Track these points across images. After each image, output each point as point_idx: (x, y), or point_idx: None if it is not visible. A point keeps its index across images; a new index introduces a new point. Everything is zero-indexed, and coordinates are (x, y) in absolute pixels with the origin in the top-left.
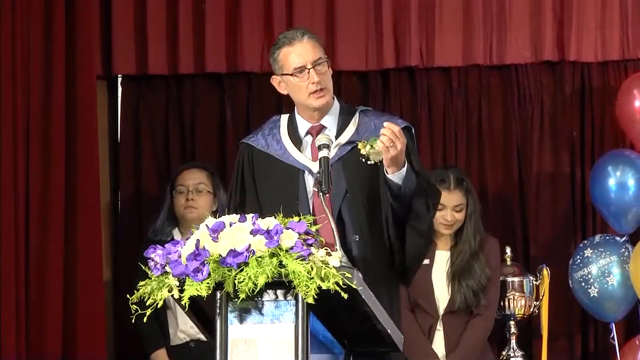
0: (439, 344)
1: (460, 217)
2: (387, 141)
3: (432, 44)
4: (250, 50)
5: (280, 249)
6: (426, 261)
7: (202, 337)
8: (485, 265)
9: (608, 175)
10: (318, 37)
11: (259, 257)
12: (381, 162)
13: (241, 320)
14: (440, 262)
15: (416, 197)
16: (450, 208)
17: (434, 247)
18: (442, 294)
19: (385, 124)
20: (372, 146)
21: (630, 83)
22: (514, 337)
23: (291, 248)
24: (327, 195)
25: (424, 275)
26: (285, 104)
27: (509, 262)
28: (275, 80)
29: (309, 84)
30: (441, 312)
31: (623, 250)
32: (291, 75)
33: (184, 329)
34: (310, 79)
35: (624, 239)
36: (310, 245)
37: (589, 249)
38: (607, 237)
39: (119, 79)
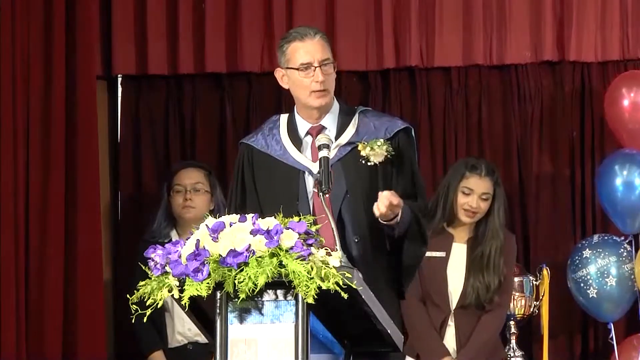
0: (450, 339)
1: (485, 206)
2: (384, 211)
3: (432, 44)
4: (250, 50)
5: (280, 249)
6: (442, 254)
7: (199, 339)
8: (504, 263)
9: (615, 175)
10: (329, 39)
11: (259, 257)
12: (381, 163)
13: (241, 320)
14: (458, 256)
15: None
16: (478, 195)
17: (450, 239)
18: (455, 288)
19: (384, 194)
20: (372, 148)
21: (617, 84)
22: (514, 337)
23: (291, 248)
24: (327, 195)
25: (439, 267)
26: (286, 104)
27: None
28: (278, 73)
29: (312, 82)
30: (453, 306)
31: (622, 250)
32: (296, 69)
33: (182, 331)
34: (315, 78)
35: (628, 239)
36: (310, 245)
37: (587, 249)
38: (606, 238)
39: (119, 79)
